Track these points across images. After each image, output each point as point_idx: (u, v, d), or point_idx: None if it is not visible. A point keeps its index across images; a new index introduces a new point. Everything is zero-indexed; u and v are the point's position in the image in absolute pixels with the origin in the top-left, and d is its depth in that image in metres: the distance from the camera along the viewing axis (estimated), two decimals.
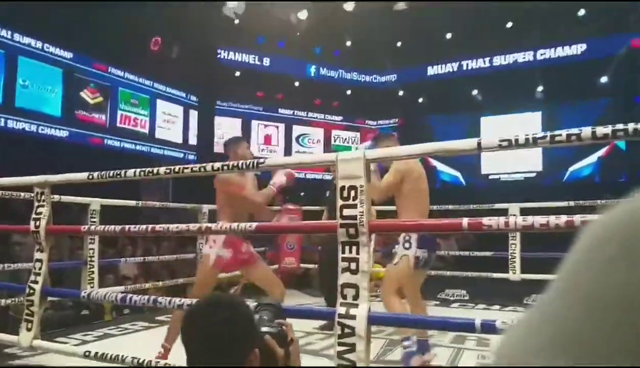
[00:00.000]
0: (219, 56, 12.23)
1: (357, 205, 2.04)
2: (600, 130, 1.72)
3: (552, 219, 1.74)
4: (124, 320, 4.82)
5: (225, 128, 11.75)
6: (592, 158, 11.17)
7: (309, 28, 11.59)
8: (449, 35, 12.18)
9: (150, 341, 3.59)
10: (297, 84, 12.93)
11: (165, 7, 9.62)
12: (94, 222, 4.69)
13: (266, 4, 10.76)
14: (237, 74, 12.50)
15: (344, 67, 13.28)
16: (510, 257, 5.63)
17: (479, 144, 1.89)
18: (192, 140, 11.73)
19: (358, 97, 13.41)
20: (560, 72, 11.07)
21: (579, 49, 11.30)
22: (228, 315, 1.11)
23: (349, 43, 12.82)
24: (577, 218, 1.74)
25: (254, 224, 2.36)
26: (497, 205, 5.77)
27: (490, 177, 12.25)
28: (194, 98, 11.77)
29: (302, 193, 10.14)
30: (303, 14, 11.44)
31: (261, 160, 2.39)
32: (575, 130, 1.73)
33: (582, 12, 11.10)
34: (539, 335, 0.25)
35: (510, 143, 1.84)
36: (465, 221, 1.92)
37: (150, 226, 2.53)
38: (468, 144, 1.93)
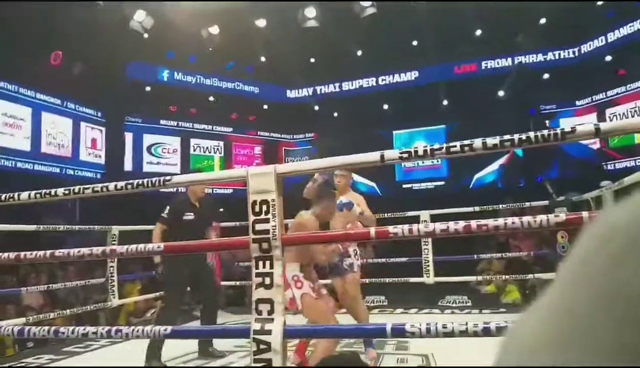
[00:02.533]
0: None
1: (269, 220, 2.05)
2: (490, 140, 1.88)
3: (452, 225, 1.86)
4: (28, 354, 4.46)
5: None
6: (494, 166, 12.00)
7: (221, 43, 11.48)
8: (359, 53, 12.61)
9: None
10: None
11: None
12: None
13: (176, 19, 10.50)
14: (148, 88, 12.21)
15: (256, 81, 13.38)
16: (424, 261, 5.89)
17: (382, 156, 1.98)
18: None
19: (272, 111, 13.55)
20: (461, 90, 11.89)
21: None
22: None
23: (263, 58, 12.85)
24: (473, 223, 1.87)
25: (162, 244, 2.29)
26: (410, 213, 6.02)
27: (404, 186, 12.76)
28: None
29: (220, 209, 9.99)
30: (214, 29, 11.32)
31: (168, 177, 2.33)
32: (467, 142, 1.86)
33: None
34: (546, 328, 0.25)
35: (410, 155, 1.95)
36: (372, 230, 2.00)
37: (49, 251, 2.37)
38: (372, 156, 2.01)
